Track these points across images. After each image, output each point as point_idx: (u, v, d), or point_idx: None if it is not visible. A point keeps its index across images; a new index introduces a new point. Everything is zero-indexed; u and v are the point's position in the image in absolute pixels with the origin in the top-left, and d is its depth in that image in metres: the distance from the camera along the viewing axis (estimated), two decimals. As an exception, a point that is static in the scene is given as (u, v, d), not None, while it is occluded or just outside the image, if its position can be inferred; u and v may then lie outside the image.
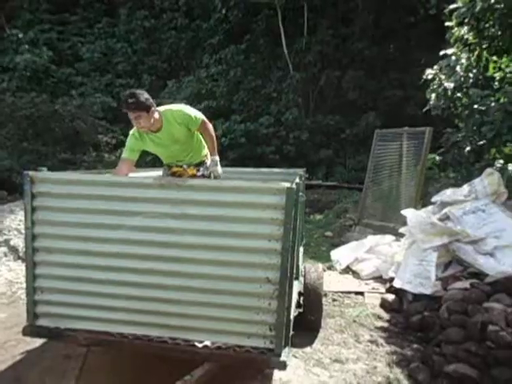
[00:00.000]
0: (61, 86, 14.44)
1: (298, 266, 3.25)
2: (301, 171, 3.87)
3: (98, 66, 15.37)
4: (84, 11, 16.51)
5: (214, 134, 3.08)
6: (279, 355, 2.11)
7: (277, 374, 2.69)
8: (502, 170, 4.81)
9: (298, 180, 2.62)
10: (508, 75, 5.38)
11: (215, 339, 2.22)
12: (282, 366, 2.12)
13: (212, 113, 12.98)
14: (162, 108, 2.91)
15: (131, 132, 2.95)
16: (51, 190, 2.32)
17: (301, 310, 3.32)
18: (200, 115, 2.99)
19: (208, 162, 3.18)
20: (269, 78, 13.73)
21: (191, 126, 2.94)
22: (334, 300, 4.02)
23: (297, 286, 3.12)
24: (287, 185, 2.09)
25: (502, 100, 4.43)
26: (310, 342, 3.17)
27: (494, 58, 5.59)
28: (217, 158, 3.09)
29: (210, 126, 3.04)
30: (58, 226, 2.32)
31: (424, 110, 6.23)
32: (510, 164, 4.92)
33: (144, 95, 2.71)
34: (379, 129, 6.87)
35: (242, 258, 2.17)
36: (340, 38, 13.23)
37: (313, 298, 3.19)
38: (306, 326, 3.26)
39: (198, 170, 3.15)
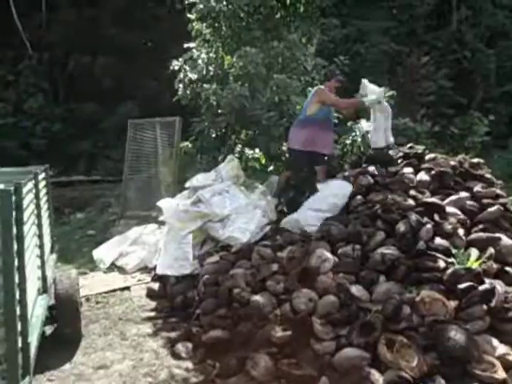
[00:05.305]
0: None
1: (44, 278, 2.84)
2: (42, 168, 3.39)
3: None
4: None
5: None
6: (16, 389, 1.78)
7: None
8: (241, 153, 5.60)
9: (25, 180, 2.25)
10: (239, 72, 6.19)
11: None
12: (22, 400, 1.81)
13: None
14: None
15: None
16: None
17: (55, 325, 2.95)
18: None
19: None
20: (-1, 58, 11.46)
21: None
22: (98, 302, 3.77)
23: (44, 301, 2.73)
24: (0, 187, 1.74)
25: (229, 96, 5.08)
26: (70, 357, 2.86)
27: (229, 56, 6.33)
28: None
29: None
30: None
31: (174, 99, 6.51)
32: (246, 148, 5.75)
33: None
34: (139, 118, 6.75)
35: None
36: (86, 19, 12.24)
37: (67, 308, 2.88)
38: (63, 340, 2.93)
39: None
